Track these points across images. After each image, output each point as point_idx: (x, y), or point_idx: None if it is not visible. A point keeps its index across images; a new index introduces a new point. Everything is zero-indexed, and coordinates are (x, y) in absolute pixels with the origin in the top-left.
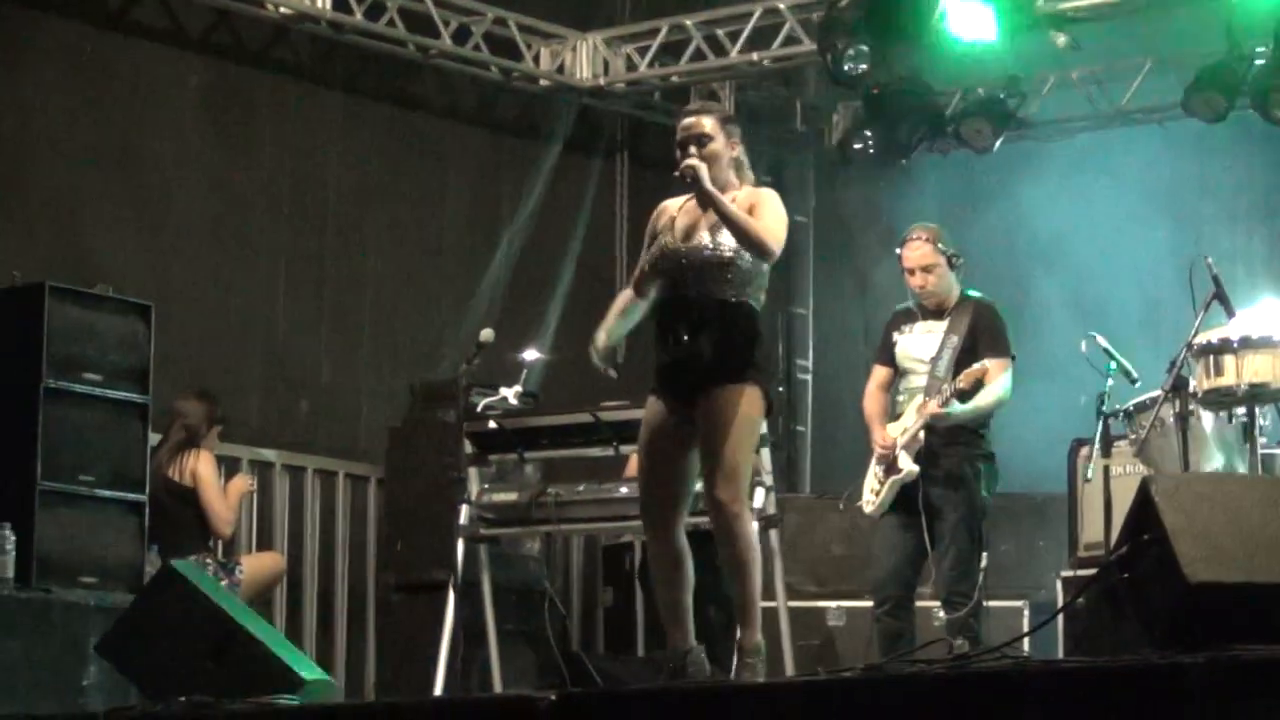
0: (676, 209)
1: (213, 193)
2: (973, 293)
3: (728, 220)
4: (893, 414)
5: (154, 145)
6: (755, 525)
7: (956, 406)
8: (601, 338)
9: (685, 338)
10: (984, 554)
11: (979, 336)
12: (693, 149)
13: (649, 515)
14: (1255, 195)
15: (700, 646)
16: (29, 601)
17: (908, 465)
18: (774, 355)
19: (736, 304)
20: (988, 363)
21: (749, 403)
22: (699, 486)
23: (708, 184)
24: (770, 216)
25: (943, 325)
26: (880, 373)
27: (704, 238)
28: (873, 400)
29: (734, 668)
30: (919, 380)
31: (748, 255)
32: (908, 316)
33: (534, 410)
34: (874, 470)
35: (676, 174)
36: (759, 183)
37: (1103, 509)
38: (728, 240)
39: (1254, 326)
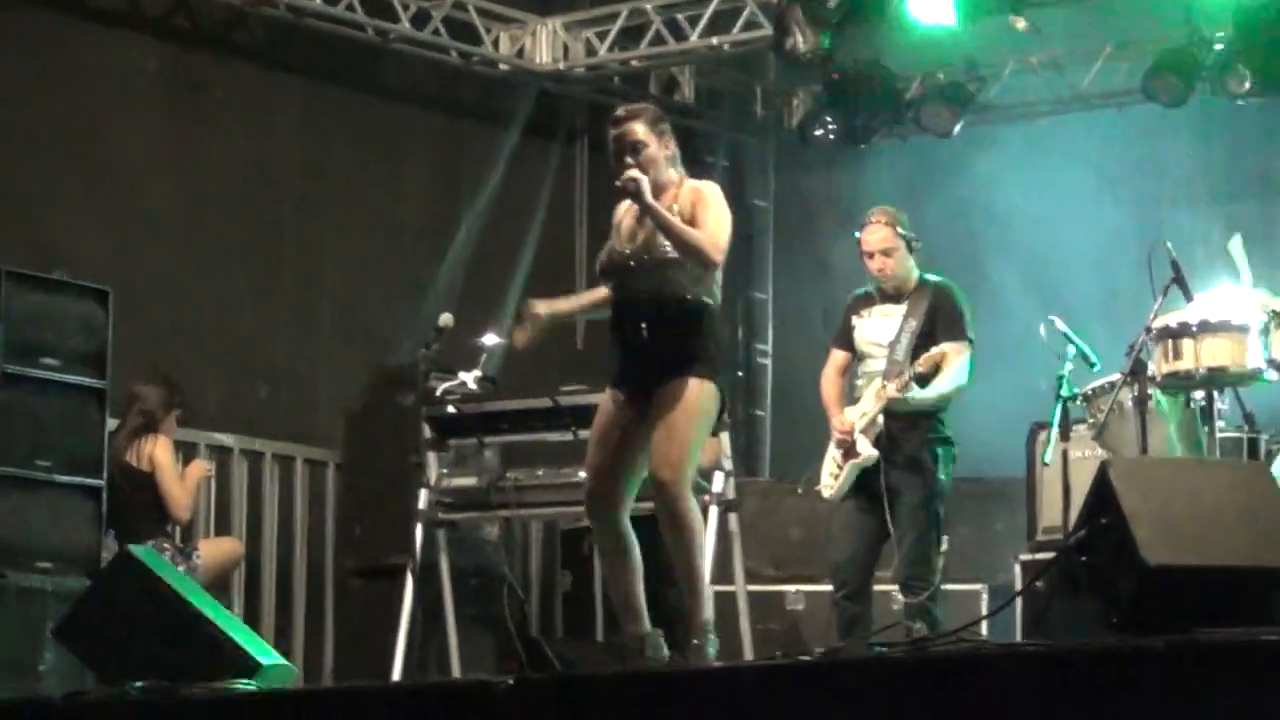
0: (623, 212)
1: (171, 177)
2: (931, 276)
3: (670, 235)
4: (851, 398)
5: (112, 130)
6: (697, 507)
7: (915, 391)
8: (557, 306)
9: (642, 336)
10: (944, 538)
11: (937, 320)
12: (629, 159)
13: (595, 505)
14: (1214, 179)
15: (658, 631)
16: None
17: (866, 449)
18: (728, 349)
19: (686, 301)
20: (946, 347)
21: (702, 396)
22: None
23: (649, 198)
24: (712, 220)
25: (901, 309)
26: (838, 356)
27: (649, 239)
28: (830, 384)
29: (688, 646)
30: (877, 364)
31: None
32: (866, 300)
33: (493, 395)
34: (832, 454)
35: (618, 184)
36: (713, 171)
37: (1061, 492)
38: None
39: (1212, 310)
